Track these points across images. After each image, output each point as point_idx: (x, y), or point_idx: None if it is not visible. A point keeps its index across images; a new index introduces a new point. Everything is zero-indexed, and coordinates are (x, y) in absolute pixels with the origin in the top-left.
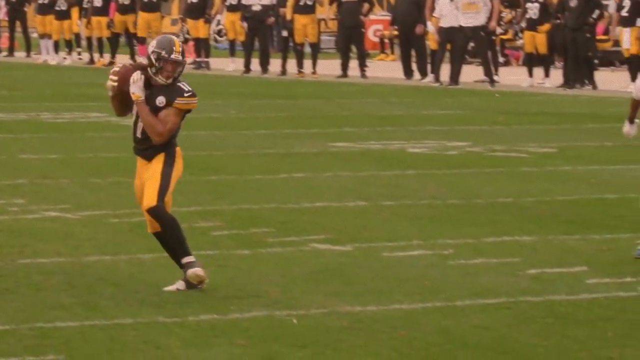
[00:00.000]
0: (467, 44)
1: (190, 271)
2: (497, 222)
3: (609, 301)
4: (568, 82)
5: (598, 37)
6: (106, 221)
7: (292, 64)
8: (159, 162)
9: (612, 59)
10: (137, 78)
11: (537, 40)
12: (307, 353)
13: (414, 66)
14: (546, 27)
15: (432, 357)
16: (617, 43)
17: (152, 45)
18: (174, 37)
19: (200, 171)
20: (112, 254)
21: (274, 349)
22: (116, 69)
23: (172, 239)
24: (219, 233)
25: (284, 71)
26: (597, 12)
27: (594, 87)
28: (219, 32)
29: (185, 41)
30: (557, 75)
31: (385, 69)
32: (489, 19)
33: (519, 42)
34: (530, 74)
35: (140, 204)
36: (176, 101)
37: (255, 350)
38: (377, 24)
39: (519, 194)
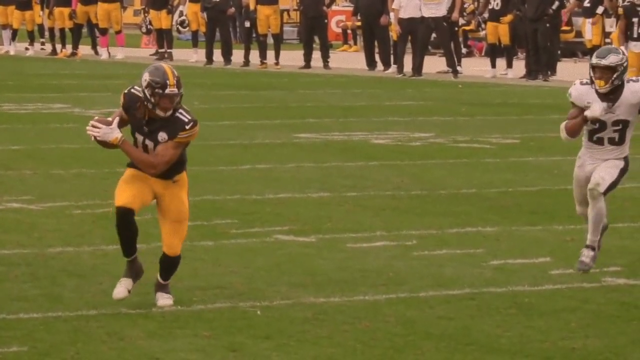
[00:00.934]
0: (430, 34)
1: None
2: (460, 213)
3: (572, 292)
4: (530, 73)
5: (562, 28)
6: (69, 212)
7: (255, 55)
8: (182, 197)
9: (574, 50)
10: (113, 126)
11: (499, 31)
12: (271, 344)
13: (377, 57)
14: (509, 18)
15: (396, 348)
16: (579, 34)
17: (144, 78)
18: (166, 67)
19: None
20: (75, 245)
21: (238, 340)
22: (95, 123)
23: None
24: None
25: (247, 62)
26: (556, 3)
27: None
28: (181, 23)
29: (148, 32)
30: (519, 66)
31: (348, 60)
32: (452, 9)
33: (482, 33)
34: (493, 65)
35: (131, 204)
36: (178, 136)
37: (219, 341)
38: (339, 14)
39: (482, 184)
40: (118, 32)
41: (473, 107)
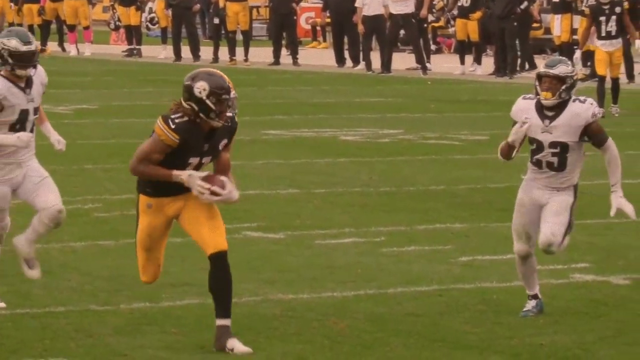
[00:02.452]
0: (397, 31)
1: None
2: (429, 209)
3: (540, 288)
4: (499, 70)
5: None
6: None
7: (224, 52)
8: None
9: (543, 47)
10: (231, 188)
11: (468, 28)
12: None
13: (347, 54)
14: (478, 14)
15: (365, 345)
16: (548, 30)
17: (202, 88)
18: (218, 71)
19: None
20: (44, 242)
21: (207, 337)
22: (215, 189)
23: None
24: None
25: (216, 59)
26: (525, 3)
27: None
28: (151, 20)
29: (116, 28)
30: (489, 62)
31: (318, 56)
32: (420, 6)
33: (451, 30)
34: (462, 62)
35: (156, 276)
36: (235, 133)
37: (187, 338)
38: (309, 11)
39: (451, 181)
40: (86, 29)
41: (442, 103)
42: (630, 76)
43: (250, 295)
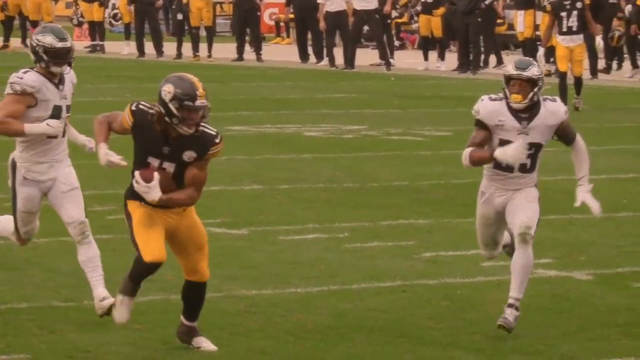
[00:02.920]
0: (361, 27)
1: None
2: (392, 205)
3: (503, 284)
4: (462, 66)
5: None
6: (1, 205)
7: (187, 48)
8: (197, 222)
9: (507, 43)
10: (153, 185)
11: (432, 24)
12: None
13: (310, 50)
14: (441, 10)
15: (328, 341)
16: (512, 26)
17: (168, 91)
18: (192, 76)
19: (96, 155)
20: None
21: (170, 332)
22: (137, 178)
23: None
24: (115, 217)
25: (179, 55)
26: None
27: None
28: (114, 16)
29: (79, 24)
30: (452, 58)
31: (281, 52)
32: (384, 2)
33: (415, 26)
34: (426, 58)
35: (162, 257)
36: (209, 152)
37: (151, 334)
38: (272, 7)
39: (415, 177)
40: None
41: (406, 99)
42: (594, 72)
43: (214, 291)
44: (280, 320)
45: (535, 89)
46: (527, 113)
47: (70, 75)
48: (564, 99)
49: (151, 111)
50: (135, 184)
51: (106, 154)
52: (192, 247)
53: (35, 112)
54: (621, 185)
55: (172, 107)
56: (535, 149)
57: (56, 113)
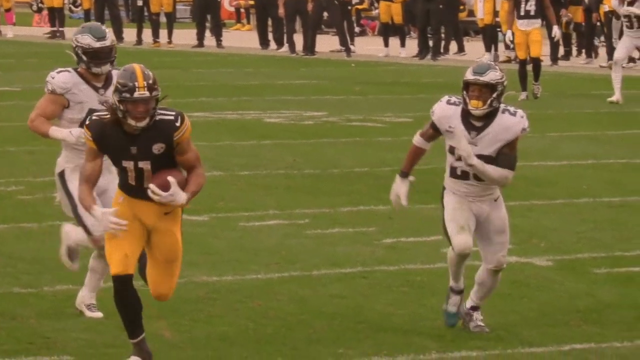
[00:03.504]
0: (321, 13)
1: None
2: (353, 191)
3: (465, 270)
4: (422, 52)
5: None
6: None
7: (147, 34)
8: (175, 232)
9: (467, 29)
10: (174, 191)
11: (392, 10)
12: (163, 323)
13: (270, 36)
14: None
15: (289, 327)
16: (472, 13)
17: (114, 83)
18: (137, 67)
19: (56, 141)
20: None
21: None
22: (154, 189)
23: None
24: None
25: (139, 41)
26: None
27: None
28: (74, 2)
29: (39, 10)
30: (412, 45)
31: (242, 38)
32: None
33: (375, 12)
34: (386, 44)
35: (126, 267)
36: (175, 137)
37: (111, 320)
38: None
39: (375, 163)
40: (8, 10)
41: (366, 86)
42: (554, 59)
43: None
44: (241, 307)
45: (495, 95)
46: (481, 122)
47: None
48: (523, 85)
49: (105, 117)
50: (156, 197)
51: (105, 216)
52: (160, 255)
53: (69, 114)
54: (580, 171)
55: (114, 99)
56: (485, 160)
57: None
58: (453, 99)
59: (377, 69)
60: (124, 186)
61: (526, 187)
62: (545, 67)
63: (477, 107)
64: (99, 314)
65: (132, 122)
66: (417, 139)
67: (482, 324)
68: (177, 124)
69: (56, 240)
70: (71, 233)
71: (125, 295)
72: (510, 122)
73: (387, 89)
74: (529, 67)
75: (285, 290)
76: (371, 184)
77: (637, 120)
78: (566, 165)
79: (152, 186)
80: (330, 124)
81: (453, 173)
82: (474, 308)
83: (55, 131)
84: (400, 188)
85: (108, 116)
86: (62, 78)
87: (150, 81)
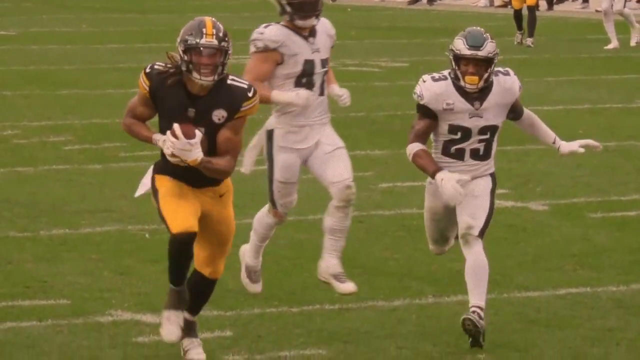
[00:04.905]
0: None
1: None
2: (349, 136)
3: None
4: None
5: None
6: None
7: None
8: (230, 215)
9: None
10: (195, 142)
11: None
12: (159, 268)
13: None
14: None
15: (285, 271)
16: None
17: (180, 35)
18: (209, 18)
19: (51, 85)
20: None
21: (126, 263)
22: (177, 131)
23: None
24: (70, 147)
25: None
26: None
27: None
28: None
29: None
30: None
31: None
32: None
33: None
34: None
35: (192, 227)
36: (242, 108)
37: (107, 264)
38: None
39: (371, 108)
40: None
41: (362, 30)
42: (550, 3)
43: None
44: (236, 251)
45: (491, 68)
46: (478, 92)
47: (324, 26)
48: (519, 26)
49: (167, 68)
50: (171, 141)
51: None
52: (215, 240)
53: (284, 70)
54: (577, 115)
55: (180, 50)
56: (490, 132)
57: (308, 68)
58: (435, 75)
59: (373, 13)
60: (165, 163)
61: (521, 131)
62: (541, 12)
63: (473, 84)
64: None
65: (196, 76)
66: (413, 147)
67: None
68: (250, 94)
69: (52, 185)
70: (247, 251)
71: (185, 252)
72: (508, 83)
73: (383, 34)
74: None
75: (281, 234)
76: (367, 128)
77: (633, 65)
78: (562, 110)
79: (175, 126)
80: None
81: (445, 152)
82: (474, 312)
83: (279, 95)
84: (449, 182)
85: (172, 70)
86: (272, 31)
87: (220, 33)
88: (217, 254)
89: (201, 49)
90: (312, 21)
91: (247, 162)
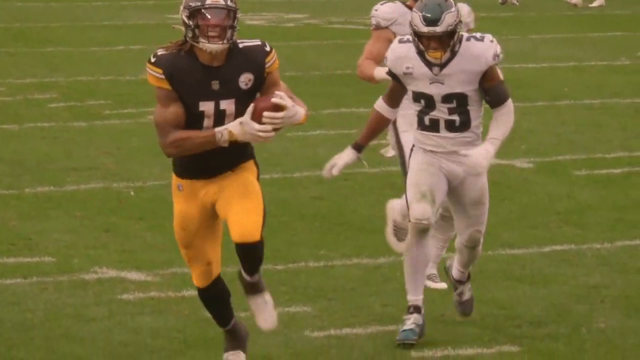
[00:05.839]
0: None
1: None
2: (334, 94)
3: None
4: None
5: None
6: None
7: None
8: (252, 173)
9: None
10: (291, 104)
11: None
12: (144, 225)
13: None
14: None
15: (270, 229)
16: None
17: (182, 4)
18: None
19: (36, 43)
20: None
21: (112, 220)
22: (269, 113)
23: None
24: (55, 105)
25: None
26: None
27: None
28: None
29: None
30: None
31: None
32: None
33: None
34: None
35: (212, 274)
36: (267, 64)
37: (92, 221)
38: None
39: (356, 65)
40: None
41: None
42: None
43: (155, 179)
44: None
45: (454, 38)
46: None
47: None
48: None
49: (170, 51)
50: (279, 115)
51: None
52: (235, 196)
53: None
54: (562, 73)
55: (185, 18)
56: (457, 101)
57: None
58: (406, 37)
59: None
60: (189, 167)
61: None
62: None
63: (437, 58)
64: (443, 285)
65: (204, 42)
66: (378, 103)
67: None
68: (267, 49)
69: (37, 142)
70: (397, 206)
71: (216, 297)
72: (478, 49)
73: None
74: None
75: (266, 192)
76: (353, 86)
77: (618, 22)
78: (547, 67)
79: (278, 93)
80: (311, 26)
81: (421, 124)
82: (460, 281)
83: (380, 71)
84: (341, 158)
85: (172, 51)
86: (385, 9)
87: None
88: (243, 211)
89: (206, 9)
90: None
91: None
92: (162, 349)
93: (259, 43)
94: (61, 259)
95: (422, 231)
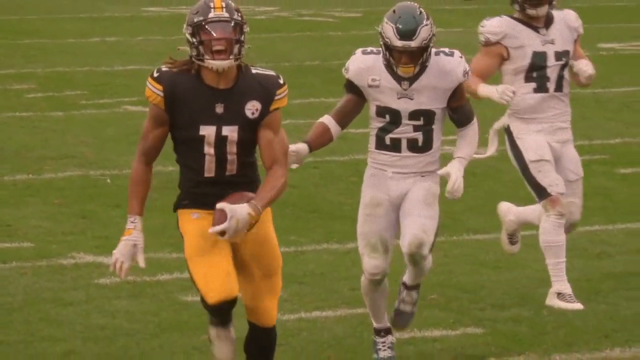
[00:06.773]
0: None
1: None
2: (304, 84)
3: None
4: None
5: None
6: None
7: None
8: (271, 236)
9: None
10: (235, 207)
11: None
12: (120, 212)
13: None
14: None
15: None
16: None
17: (186, 21)
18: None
19: (13, 34)
20: None
21: (89, 207)
22: (216, 229)
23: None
24: (33, 95)
25: None
26: None
27: None
28: None
29: None
30: None
31: None
32: None
33: None
34: None
35: (230, 291)
36: (276, 97)
37: (69, 209)
38: None
39: (326, 57)
40: None
41: None
42: None
43: (131, 167)
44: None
45: (426, 53)
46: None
47: (567, 17)
48: None
49: (176, 69)
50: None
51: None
52: (256, 271)
53: (511, 64)
54: None
55: (188, 35)
56: (424, 118)
57: (538, 61)
58: (369, 48)
59: None
60: (192, 188)
61: None
62: None
63: (407, 73)
64: (579, 305)
65: (209, 59)
66: (324, 117)
67: (406, 306)
68: (281, 81)
69: (15, 131)
70: (511, 209)
71: (225, 319)
72: (449, 65)
73: None
74: None
75: None
76: (322, 77)
77: (578, 13)
78: None
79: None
80: (282, 18)
81: (380, 143)
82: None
83: (483, 88)
84: (299, 149)
85: (176, 69)
86: (493, 23)
87: (231, 4)
88: (262, 292)
89: (209, 23)
90: (543, 10)
91: (492, 146)
92: (137, 332)
93: (274, 74)
94: (40, 245)
95: (378, 282)
